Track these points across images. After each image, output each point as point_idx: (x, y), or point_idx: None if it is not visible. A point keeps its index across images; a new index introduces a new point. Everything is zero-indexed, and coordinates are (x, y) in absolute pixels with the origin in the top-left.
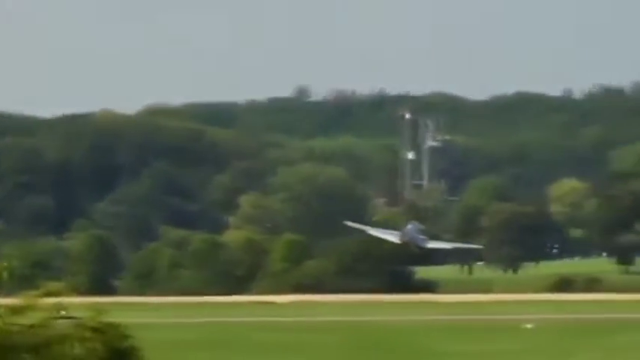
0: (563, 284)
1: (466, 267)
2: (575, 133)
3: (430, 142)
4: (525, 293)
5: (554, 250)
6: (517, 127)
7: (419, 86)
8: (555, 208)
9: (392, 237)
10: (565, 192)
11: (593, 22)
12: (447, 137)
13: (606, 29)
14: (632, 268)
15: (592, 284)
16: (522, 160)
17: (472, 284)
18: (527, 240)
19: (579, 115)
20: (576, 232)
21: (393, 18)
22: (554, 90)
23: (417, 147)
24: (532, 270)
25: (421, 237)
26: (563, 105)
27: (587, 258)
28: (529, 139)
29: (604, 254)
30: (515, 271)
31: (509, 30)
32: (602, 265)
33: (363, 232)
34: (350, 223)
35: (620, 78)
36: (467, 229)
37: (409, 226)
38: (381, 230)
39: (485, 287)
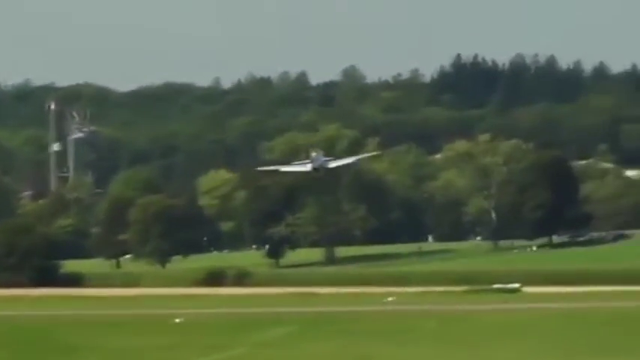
0: (213, 278)
1: (114, 261)
2: (224, 124)
3: (76, 134)
4: (174, 287)
5: (204, 244)
6: (166, 117)
7: (65, 77)
8: (205, 201)
9: (304, 168)
10: (215, 184)
11: (231, 12)
12: (94, 128)
13: (247, 20)
14: (282, 262)
15: (242, 278)
16: (171, 151)
17: (120, 278)
18: (177, 233)
19: (228, 105)
20: (227, 225)
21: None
22: (202, 80)
23: (63, 138)
24: (181, 264)
25: (326, 160)
26: (211, 95)
27: (237, 251)
28: (178, 130)
29: (254, 247)
30: (163, 264)
31: (160, 23)
32: (252, 258)
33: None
34: (263, 168)
35: (268, 68)
36: (115, 221)
37: (314, 154)
38: (292, 164)
39: (133, 281)
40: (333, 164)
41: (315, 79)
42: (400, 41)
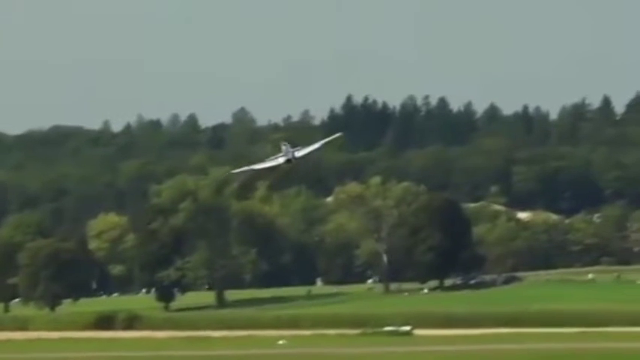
0: (104, 321)
1: (3, 304)
2: (114, 167)
3: None
4: (64, 331)
5: (94, 287)
6: (55, 161)
7: None
8: (95, 244)
9: (278, 161)
10: (105, 227)
11: (122, 56)
12: None
13: (137, 63)
14: (173, 305)
15: (133, 321)
16: (61, 194)
17: (9, 322)
18: (67, 276)
19: (118, 148)
20: (116, 269)
21: None
22: (92, 123)
23: None
24: (71, 307)
25: (294, 150)
26: (101, 138)
27: (127, 294)
28: (67, 174)
29: (144, 291)
30: (53, 308)
31: (50, 66)
32: (142, 301)
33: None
34: (236, 170)
35: (159, 111)
36: (4, 265)
37: (284, 147)
38: (266, 161)
39: (23, 325)
40: (299, 153)
41: (205, 121)
42: (290, 83)
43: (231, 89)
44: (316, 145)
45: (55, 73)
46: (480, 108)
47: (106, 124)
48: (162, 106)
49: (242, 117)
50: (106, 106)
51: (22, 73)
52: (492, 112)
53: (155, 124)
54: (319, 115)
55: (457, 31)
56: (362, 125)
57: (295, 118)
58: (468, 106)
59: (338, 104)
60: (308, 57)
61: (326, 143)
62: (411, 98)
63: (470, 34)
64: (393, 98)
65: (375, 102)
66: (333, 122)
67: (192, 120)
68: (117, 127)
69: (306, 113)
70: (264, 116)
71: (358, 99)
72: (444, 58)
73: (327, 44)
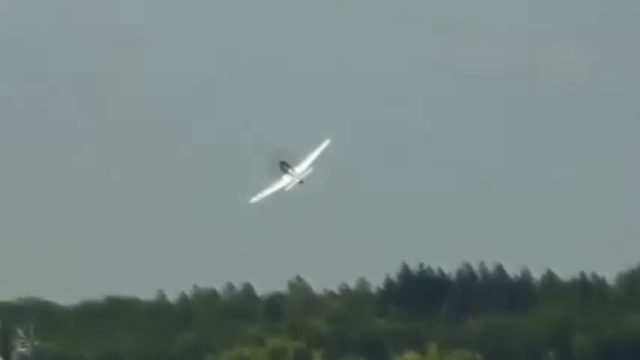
0: None
1: None
2: (170, 338)
3: (20, 349)
4: None
5: None
6: (110, 332)
7: (8, 291)
8: None
9: (287, 182)
10: None
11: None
12: (37, 343)
13: (186, 235)
14: None
15: None
16: None
17: None
18: None
19: (174, 319)
20: None
21: None
22: (147, 294)
23: (6, 355)
24: None
25: (296, 172)
26: (157, 309)
27: None
28: (123, 345)
29: None
30: None
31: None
32: None
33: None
34: (254, 200)
35: (214, 280)
36: None
37: (289, 170)
38: (279, 183)
39: None
40: (303, 172)
41: (260, 290)
42: (345, 249)
43: (286, 257)
44: (310, 159)
45: (109, 243)
46: (536, 274)
47: (161, 293)
48: (217, 275)
49: (297, 285)
50: (160, 276)
51: (74, 244)
52: (550, 278)
53: (211, 294)
54: (375, 282)
55: (514, 193)
56: (419, 293)
57: (351, 285)
58: (525, 272)
59: (394, 271)
60: (362, 222)
61: (318, 156)
62: (467, 265)
63: (527, 198)
64: (448, 264)
65: (430, 269)
66: (390, 290)
67: (247, 289)
68: (172, 296)
69: (362, 280)
70: (320, 284)
71: (414, 266)
72: (498, 221)
73: (379, 211)
